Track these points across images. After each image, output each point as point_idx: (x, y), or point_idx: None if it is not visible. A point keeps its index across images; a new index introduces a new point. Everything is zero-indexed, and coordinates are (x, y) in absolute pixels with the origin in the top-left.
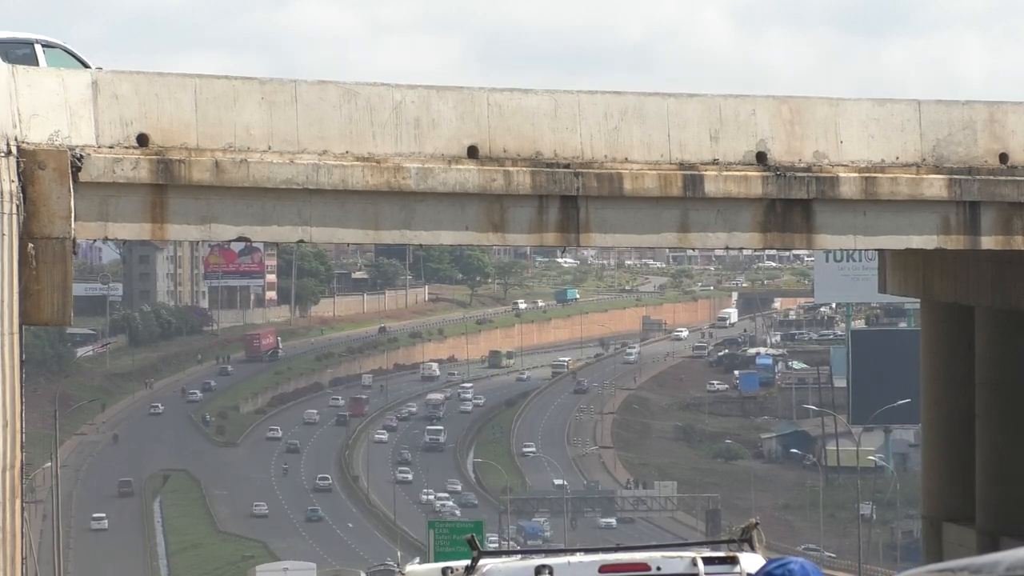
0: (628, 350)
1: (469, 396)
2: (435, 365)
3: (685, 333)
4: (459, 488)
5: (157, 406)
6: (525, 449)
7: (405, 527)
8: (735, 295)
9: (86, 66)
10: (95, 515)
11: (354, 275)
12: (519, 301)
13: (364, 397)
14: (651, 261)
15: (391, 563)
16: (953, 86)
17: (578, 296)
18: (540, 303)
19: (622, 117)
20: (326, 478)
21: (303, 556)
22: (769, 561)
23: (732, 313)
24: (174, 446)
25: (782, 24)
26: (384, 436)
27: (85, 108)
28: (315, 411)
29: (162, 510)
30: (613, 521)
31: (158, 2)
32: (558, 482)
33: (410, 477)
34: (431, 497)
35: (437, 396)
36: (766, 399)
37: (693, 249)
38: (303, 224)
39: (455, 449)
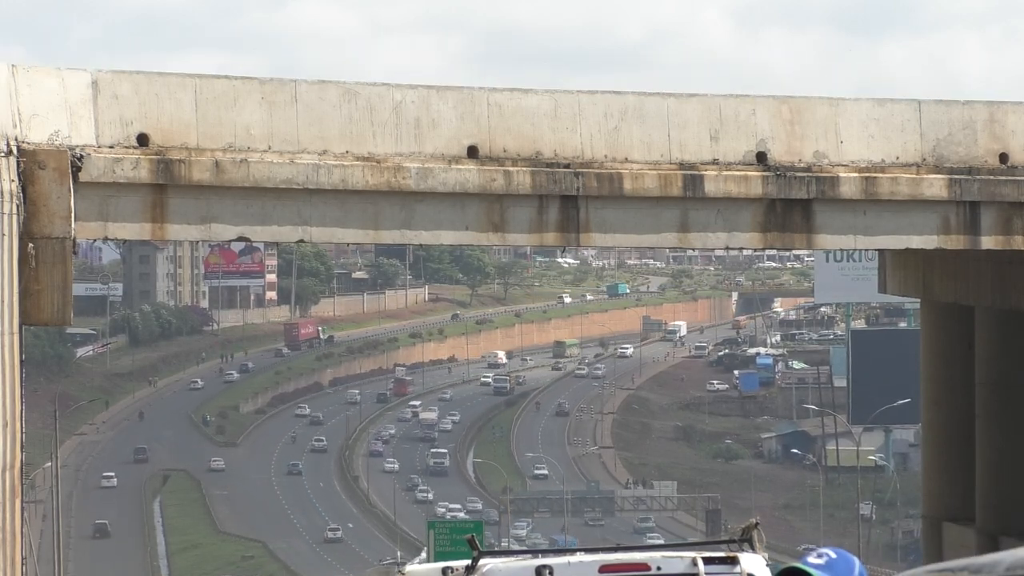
0: (581, 367)
1: (433, 417)
2: (501, 353)
3: (630, 349)
4: (480, 507)
5: (196, 381)
6: (537, 472)
7: (405, 527)
8: (735, 295)
9: None
10: (105, 474)
11: (354, 275)
12: (564, 295)
13: (409, 378)
14: (651, 261)
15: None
16: (953, 86)
17: (628, 291)
18: (589, 296)
19: (622, 117)
20: (321, 439)
21: (304, 555)
22: (808, 550)
23: (682, 326)
24: (174, 445)
25: (782, 24)
26: (395, 466)
27: (85, 108)
28: (357, 391)
29: (162, 510)
30: (661, 539)
31: (157, 2)
32: (557, 487)
33: (430, 496)
34: (444, 510)
35: (431, 415)
36: (766, 399)
37: (693, 249)
38: (303, 224)
39: (456, 452)
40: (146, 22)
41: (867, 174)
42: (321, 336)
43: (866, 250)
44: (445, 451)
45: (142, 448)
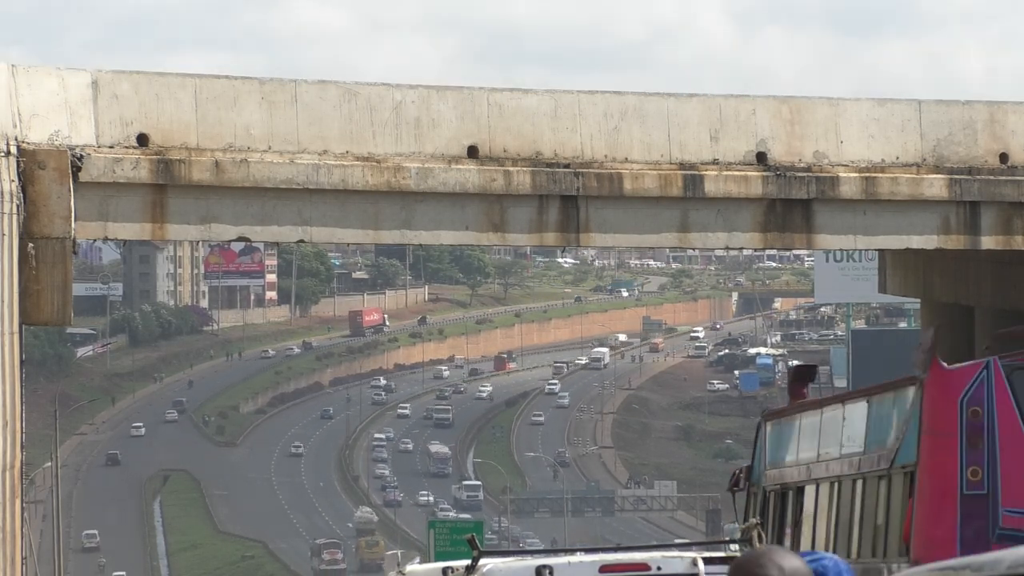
0: (536, 413)
1: (446, 450)
2: (622, 336)
3: (558, 387)
4: (502, 525)
5: (267, 351)
6: (555, 494)
7: (405, 527)
8: (735, 295)
9: None
10: (134, 424)
11: (354, 275)
12: (623, 289)
13: (508, 355)
14: (651, 261)
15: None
16: (953, 86)
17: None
18: (650, 290)
19: (622, 117)
20: (380, 394)
21: (304, 555)
22: (802, 554)
23: (605, 354)
24: (174, 447)
25: (781, 24)
26: (428, 498)
27: (85, 108)
28: (445, 368)
29: (162, 510)
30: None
31: (157, 2)
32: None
33: (452, 515)
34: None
35: (443, 448)
36: (766, 399)
37: (693, 249)
38: (303, 224)
39: (456, 454)
40: (146, 22)
41: (867, 174)
42: (387, 324)
43: (866, 250)
44: (479, 483)
45: (180, 400)
